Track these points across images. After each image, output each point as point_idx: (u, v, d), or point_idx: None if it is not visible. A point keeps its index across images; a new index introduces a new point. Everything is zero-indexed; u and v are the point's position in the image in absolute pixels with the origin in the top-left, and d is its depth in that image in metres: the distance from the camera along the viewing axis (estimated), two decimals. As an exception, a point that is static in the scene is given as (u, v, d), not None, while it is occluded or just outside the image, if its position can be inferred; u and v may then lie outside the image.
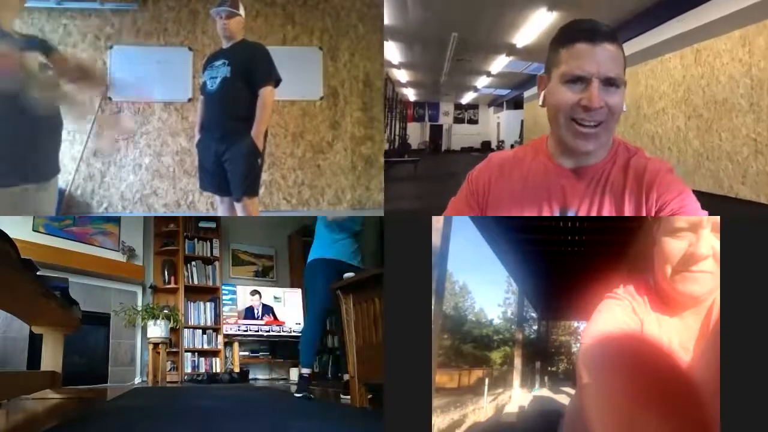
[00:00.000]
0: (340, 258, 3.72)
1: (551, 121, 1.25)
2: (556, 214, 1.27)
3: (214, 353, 6.30)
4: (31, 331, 4.01)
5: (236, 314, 6.39)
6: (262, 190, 4.75)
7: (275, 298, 6.61)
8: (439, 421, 2.38)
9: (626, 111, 1.26)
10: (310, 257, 3.81)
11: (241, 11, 3.25)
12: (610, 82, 1.18)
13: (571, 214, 1.27)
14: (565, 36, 1.22)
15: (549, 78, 1.25)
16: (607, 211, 1.24)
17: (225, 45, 3.27)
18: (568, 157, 1.28)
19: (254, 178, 3.20)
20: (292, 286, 6.88)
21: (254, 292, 6.51)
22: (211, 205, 5.26)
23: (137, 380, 5.84)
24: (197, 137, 3.34)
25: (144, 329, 5.84)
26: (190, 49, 5.68)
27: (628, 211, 1.22)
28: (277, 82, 3.22)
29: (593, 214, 1.25)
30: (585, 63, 1.18)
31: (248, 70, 3.15)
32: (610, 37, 1.20)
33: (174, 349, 6.02)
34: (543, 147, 1.33)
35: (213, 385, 5.56)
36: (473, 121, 20.00)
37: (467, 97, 18.18)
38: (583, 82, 1.18)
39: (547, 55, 1.27)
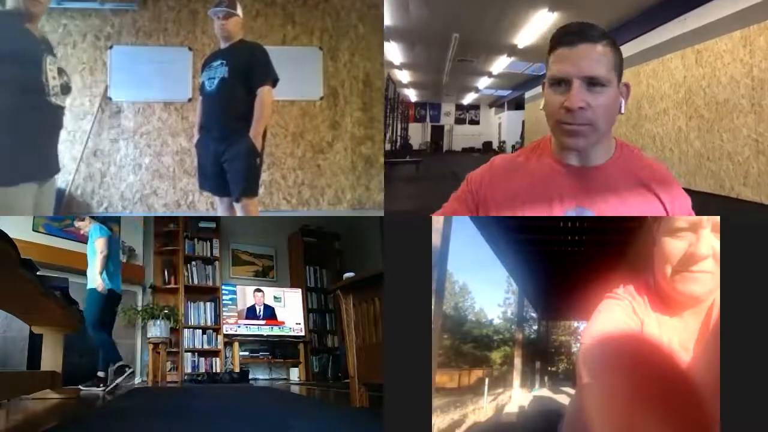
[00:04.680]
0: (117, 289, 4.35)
1: (548, 122, 1.28)
2: (560, 213, 1.28)
3: (214, 353, 6.30)
4: (31, 331, 4.00)
5: (236, 314, 6.39)
6: (262, 190, 4.75)
7: (275, 298, 6.61)
8: (439, 421, 2.38)
9: (627, 112, 1.28)
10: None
11: (239, 11, 3.24)
12: (593, 82, 1.19)
13: (572, 213, 1.28)
14: (552, 41, 1.25)
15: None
16: (609, 211, 1.26)
17: (223, 45, 3.27)
18: (570, 156, 1.29)
19: (254, 178, 3.19)
20: (292, 286, 6.88)
21: (258, 290, 6.51)
22: (211, 205, 5.26)
23: (137, 380, 5.83)
24: (196, 137, 3.33)
25: (144, 329, 5.83)
26: (190, 49, 5.68)
27: (628, 211, 1.24)
28: (275, 81, 3.21)
29: (595, 214, 1.26)
30: (565, 65, 1.20)
31: (246, 70, 3.15)
32: (596, 38, 1.21)
33: (174, 349, 6.02)
34: (547, 148, 1.35)
35: (213, 385, 5.56)
36: (474, 122, 20.03)
37: (468, 98, 18.23)
38: (566, 84, 1.20)
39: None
